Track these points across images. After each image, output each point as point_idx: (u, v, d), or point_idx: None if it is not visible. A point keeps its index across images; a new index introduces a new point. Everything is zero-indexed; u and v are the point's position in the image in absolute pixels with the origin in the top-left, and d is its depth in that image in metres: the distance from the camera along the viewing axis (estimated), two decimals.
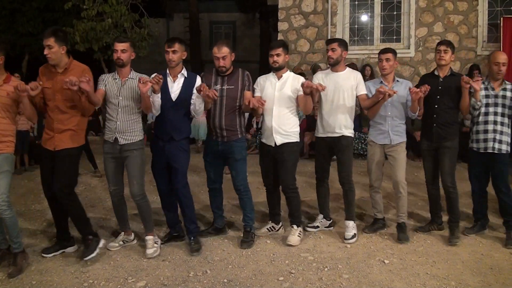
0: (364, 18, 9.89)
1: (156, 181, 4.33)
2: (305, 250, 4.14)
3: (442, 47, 4.39)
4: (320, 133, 4.54)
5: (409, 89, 4.22)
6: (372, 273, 3.68)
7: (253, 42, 20.31)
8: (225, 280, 3.56)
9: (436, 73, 4.48)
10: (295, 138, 4.36)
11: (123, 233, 4.29)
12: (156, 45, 12.58)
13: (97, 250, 3.93)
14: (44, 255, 3.97)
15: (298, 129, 4.41)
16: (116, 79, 4.04)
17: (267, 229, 4.56)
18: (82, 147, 4.04)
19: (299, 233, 4.34)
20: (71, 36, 10.30)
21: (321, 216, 4.72)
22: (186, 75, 4.15)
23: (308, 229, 4.62)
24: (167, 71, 4.14)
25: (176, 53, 4.10)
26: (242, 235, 4.38)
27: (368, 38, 9.82)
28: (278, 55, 4.28)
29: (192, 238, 4.15)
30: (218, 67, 4.18)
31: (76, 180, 4.01)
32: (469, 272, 3.68)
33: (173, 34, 19.51)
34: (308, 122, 8.45)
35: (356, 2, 9.83)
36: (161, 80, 3.84)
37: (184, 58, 4.20)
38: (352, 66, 8.39)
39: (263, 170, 4.55)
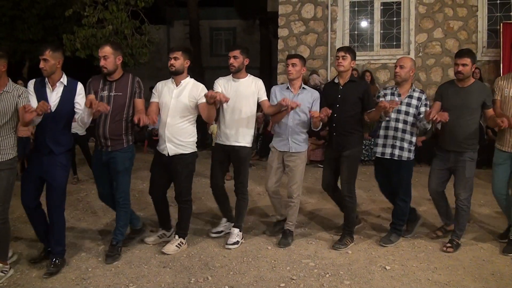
0: (364, 24, 9.94)
1: (21, 193, 3.84)
2: (307, 256, 4.13)
3: (340, 53, 4.30)
4: (220, 140, 4.45)
5: (310, 112, 4.21)
6: (374, 279, 3.67)
7: (253, 48, 20.31)
8: (226, 287, 3.55)
9: (336, 80, 4.40)
10: (191, 149, 4.21)
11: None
12: (157, 52, 12.65)
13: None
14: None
15: (194, 139, 4.23)
16: None
17: (158, 236, 4.47)
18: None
19: (178, 244, 4.22)
20: (72, 43, 10.34)
21: (224, 219, 4.69)
22: (65, 83, 3.82)
23: (212, 235, 4.60)
24: (46, 79, 3.79)
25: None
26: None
27: (368, 44, 9.86)
28: (176, 58, 4.10)
29: (54, 260, 3.80)
30: (101, 67, 3.97)
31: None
32: (470, 278, 3.67)
33: (174, 41, 19.63)
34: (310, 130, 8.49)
35: (356, 8, 9.87)
36: (48, 108, 3.47)
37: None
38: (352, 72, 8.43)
39: (152, 178, 4.36)
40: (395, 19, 9.66)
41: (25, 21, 14.68)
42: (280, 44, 10.01)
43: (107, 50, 3.92)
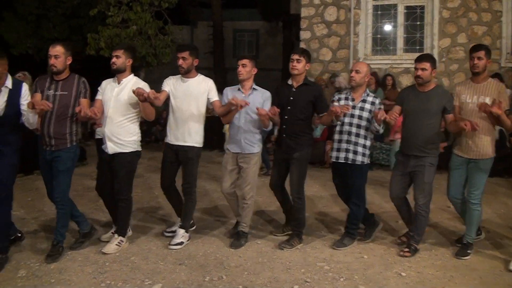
0: (387, 27, 9.88)
1: None
2: (322, 259, 4.12)
3: (295, 56, 4.30)
4: (168, 140, 4.46)
5: (257, 108, 4.17)
6: (389, 285, 3.65)
7: (276, 50, 20.42)
8: (240, 287, 3.58)
9: (290, 82, 4.41)
10: (131, 148, 4.22)
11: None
12: None
13: None
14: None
15: (135, 138, 4.25)
16: None
17: (111, 233, 4.47)
18: None
19: (118, 242, 4.23)
20: (96, 42, 10.54)
21: (179, 219, 4.64)
22: (10, 87, 3.91)
23: (166, 234, 4.62)
24: None
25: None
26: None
27: (391, 48, 9.78)
28: (117, 56, 4.16)
29: None
30: (50, 66, 4.02)
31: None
32: None
33: (197, 42, 19.77)
34: (330, 131, 8.46)
35: (379, 12, 9.81)
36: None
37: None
38: (374, 75, 8.37)
39: (98, 175, 4.50)
40: (418, 23, 9.56)
41: (51, 20, 14.99)
42: (302, 47, 10.00)
43: (58, 49, 3.98)
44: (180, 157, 4.41)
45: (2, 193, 3.92)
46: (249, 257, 4.15)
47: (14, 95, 3.91)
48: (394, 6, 9.68)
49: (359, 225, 4.56)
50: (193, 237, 4.56)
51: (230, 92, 4.45)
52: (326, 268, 3.93)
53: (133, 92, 3.92)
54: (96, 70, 4.28)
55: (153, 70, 11.28)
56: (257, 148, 4.46)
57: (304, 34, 10.02)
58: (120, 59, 4.17)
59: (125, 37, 10.24)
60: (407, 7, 9.61)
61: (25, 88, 4.00)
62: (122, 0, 10.57)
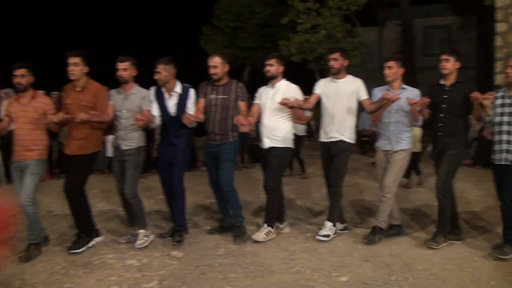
0: None
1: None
2: (509, 273, 3.76)
3: (444, 56, 4.36)
4: (321, 139, 4.75)
5: (407, 99, 4.25)
6: None
7: (470, 46, 18.75)
8: None
9: (441, 82, 4.42)
10: (284, 144, 4.58)
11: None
12: (368, 53, 12.75)
13: (84, 248, 4.34)
14: (72, 251, 4.31)
15: (288, 135, 4.65)
16: (120, 93, 4.51)
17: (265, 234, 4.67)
18: (95, 154, 4.50)
19: (267, 232, 4.56)
20: (287, 48, 11.24)
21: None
22: (179, 91, 4.57)
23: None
24: (162, 88, 4.57)
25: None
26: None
27: None
28: (270, 65, 4.59)
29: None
30: (210, 75, 4.60)
31: (84, 181, 4.43)
32: None
33: (385, 42, 19.42)
34: None
35: None
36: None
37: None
38: None
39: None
40: None
41: (246, 31, 16.52)
42: (498, 41, 9.06)
43: (216, 60, 4.58)
44: (332, 150, 4.65)
45: (177, 176, 4.59)
46: (436, 262, 4.02)
47: (182, 99, 4.58)
48: None
49: None
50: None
51: (379, 92, 4.56)
52: None
53: (279, 103, 4.41)
54: (288, 75, 4.68)
55: None
56: (406, 144, 4.52)
57: (500, 27, 9.07)
58: (273, 67, 4.62)
59: (315, 42, 10.70)
60: None
61: (192, 92, 4.65)
62: (311, 7, 11.05)
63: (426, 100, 4.27)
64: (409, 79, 4.44)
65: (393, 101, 4.23)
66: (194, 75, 4.83)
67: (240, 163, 8.85)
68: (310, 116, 4.90)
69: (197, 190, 6.75)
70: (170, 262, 4.05)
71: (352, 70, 4.97)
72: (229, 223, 4.90)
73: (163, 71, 4.48)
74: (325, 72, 13.24)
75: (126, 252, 4.31)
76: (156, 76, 4.51)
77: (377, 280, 3.66)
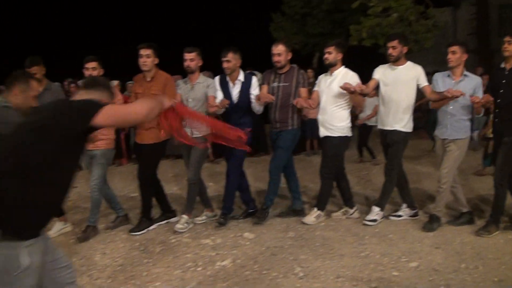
0: None
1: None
2: None
3: (507, 38, 4.13)
4: (379, 126, 4.74)
5: (470, 98, 4.12)
6: None
7: None
8: (496, 279, 3.43)
9: (502, 65, 4.23)
10: (340, 133, 4.60)
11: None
12: (442, 36, 12.22)
13: (144, 231, 4.59)
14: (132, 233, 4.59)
15: (344, 124, 4.63)
16: (187, 83, 4.71)
17: (341, 212, 4.94)
18: (165, 142, 4.60)
19: (316, 215, 4.73)
20: (358, 33, 11.03)
21: (404, 205, 4.82)
22: (242, 79, 4.70)
23: (391, 217, 4.76)
24: (227, 77, 4.72)
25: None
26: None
27: None
28: (329, 53, 4.57)
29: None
30: (273, 62, 4.67)
31: (154, 168, 4.65)
32: None
33: (460, 23, 18.43)
34: None
35: None
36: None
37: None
38: None
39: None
40: None
41: (315, 17, 16.33)
42: None
43: (280, 48, 4.65)
44: (388, 140, 4.65)
45: (236, 164, 4.75)
46: (508, 251, 3.89)
47: (245, 87, 4.71)
48: None
49: None
50: (450, 224, 4.55)
51: (441, 78, 4.49)
52: None
53: (341, 88, 4.38)
54: (359, 60, 4.72)
55: (415, 56, 11.14)
56: (463, 134, 4.41)
57: None
58: (332, 54, 4.61)
59: (386, 25, 10.43)
60: None
61: (254, 80, 4.75)
62: None
63: (489, 98, 4.15)
64: (485, 62, 4.31)
65: (457, 97, 4.11)
66: (262, 63, 4.95)
67: (309, 149, 8.96)
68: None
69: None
70: (242, 243, 4.25)
71: (426, 53, 4.88)
72: (299, 206, 5.03)
73: (232, 59, 4.63)
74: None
75: (201, 233, 4.57)
76: (225, 65, 4.65)
77: (447, 267, 3.62)
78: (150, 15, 25.80)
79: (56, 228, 4.65)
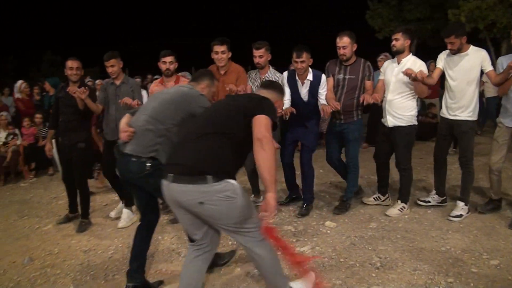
0: None
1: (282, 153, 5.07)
2: None
3: (394, 35, 4.36)
4: (443, 114, 4.64)
5: None
6: None
7: None
8: None
9: None
10: (408, 122, 4.57)
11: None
12: None
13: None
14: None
15: (412, 113, 4.59)
16: (257, 77, 4.90)
17: (374, 198, 5.11)
18: None
19: (400, 208, 4.75)
20: (457, 17, 10.52)
21: (433, 192, 4.94)
22: (311, 79, 4.69)
23: (420, 202, 4.94)
24: (296, 77, 4.75)
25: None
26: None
27: None
28: (396, 39, 4.46)
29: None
30: (339, 56, 4.63)
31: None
32: None
33: None
34: None
35: None
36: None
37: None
38: None
39: (376, 146, 5.02)
40: None
41: (412, 2, 15.71)
42: None
43: (345, 40, 4.59)
44: (455, 131, 4.56)
45: (309, 156, 4.87)
46: None
47: (314, 86, 4.73)
48: None
49: None
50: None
51: (506, 61, 4.32)
52: None
53: (403, 72, 4.33)
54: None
55: None
56: None
57: None
58: (399, 41, 4.50)
59: (486, 8, 9.84)
60: None
61: (323, 79, 4.73)
62: None
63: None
64: None
65: None
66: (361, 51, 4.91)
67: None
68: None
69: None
70: (323, 231, 4.44)
71: None
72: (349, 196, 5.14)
73: (306, 59, 4.64)
74: (498, 40, 12.01)
75: (284, 219, 4.84)
76: (300, 65, 4.62)
77: None
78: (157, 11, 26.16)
79: (124, 216, 4.98)
